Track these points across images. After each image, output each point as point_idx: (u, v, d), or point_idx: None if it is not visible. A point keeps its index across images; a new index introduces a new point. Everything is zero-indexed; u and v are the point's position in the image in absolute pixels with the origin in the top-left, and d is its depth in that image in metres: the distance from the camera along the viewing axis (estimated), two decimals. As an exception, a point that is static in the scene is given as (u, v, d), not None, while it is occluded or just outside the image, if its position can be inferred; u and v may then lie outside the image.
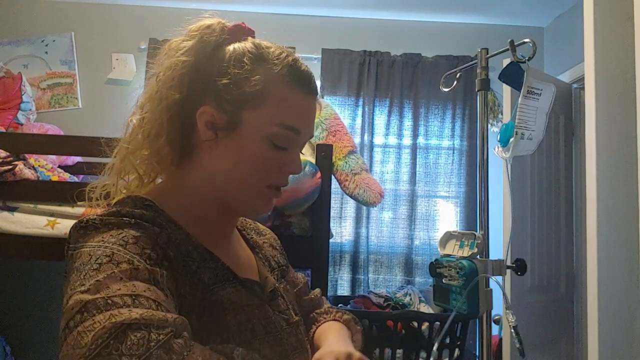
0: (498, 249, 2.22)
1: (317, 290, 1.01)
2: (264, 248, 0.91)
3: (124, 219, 0.64)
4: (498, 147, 1.35)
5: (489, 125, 2.78)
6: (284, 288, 0.86)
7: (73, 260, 0.61)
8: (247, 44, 0.74)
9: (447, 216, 3.11)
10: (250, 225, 0.95)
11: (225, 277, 0.71)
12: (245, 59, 0.72)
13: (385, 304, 2.39)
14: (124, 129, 0.77)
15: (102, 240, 0.60)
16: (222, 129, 0.71)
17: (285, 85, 0.72)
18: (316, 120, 2.13)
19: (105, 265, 0.56)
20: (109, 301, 0.52)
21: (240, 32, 0.77)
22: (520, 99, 1.29)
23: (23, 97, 2.64)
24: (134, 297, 0.53)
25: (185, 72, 0.72)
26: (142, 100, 0.76)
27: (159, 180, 0.81)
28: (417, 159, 3.08)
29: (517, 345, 1.14)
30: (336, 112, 2.27)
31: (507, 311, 1.18)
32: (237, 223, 0.89)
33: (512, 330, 1.14)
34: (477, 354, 1.71)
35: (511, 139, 1.29)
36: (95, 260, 0.57)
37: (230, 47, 0.74)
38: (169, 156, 0.74)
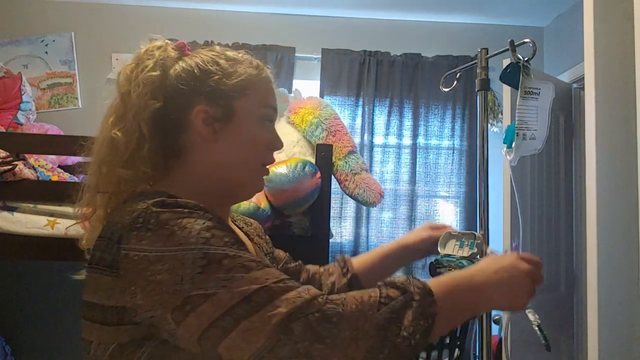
0: (498, 249, 2.22)
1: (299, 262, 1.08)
2: (256, 237, 0.98)
3: (185, 209, 0.67)
4: (505, 149, 1.35)
5: (489, 125, 2.78)
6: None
7: (138, 265, 0.63)
8: (210, 52, 0.83)
9: (447, 216, 3.11)
10: (238, 217, 1.01)
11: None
12: (221, 62, 0.81)
13: (385, 304, 2.39)
14: (95, 145, 0.81)
15: (180, 243, 0.63)
16: (220, 120, 0.79)
17: (256, 74, 0.83)
18: (316, 120, 2.12)
19: (208, 266, 0.62)
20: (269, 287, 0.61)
21: (185, 48, 0.84)
22: (518, 100, 1.29)
23: (23, 97, 2.64)
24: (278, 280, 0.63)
25: (157, 84, 0.78)
26: (113, 119, 0.79)
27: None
28: (417, 159, 3.09)
29: (543, 342, 1.15)
30: (336, 112, 2.27)
31: (529, 311, 1.19)
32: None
33: (537, 329, 1.15)
34: (477, 354, 1.71)
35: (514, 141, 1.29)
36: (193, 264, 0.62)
37: (198, 57, 0.82)
38: (150, 163, 0.77)
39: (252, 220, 1.04)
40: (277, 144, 0.85)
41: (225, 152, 0.79)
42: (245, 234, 0.94)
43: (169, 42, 0.84)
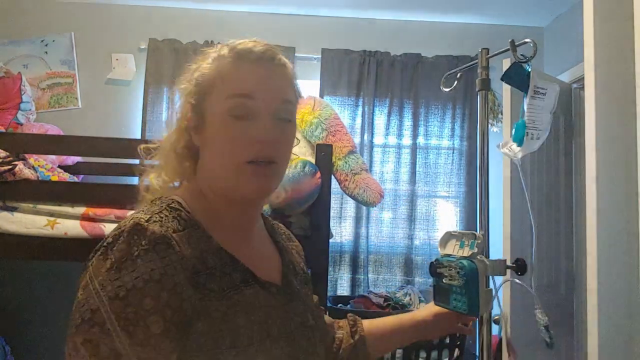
0: (498, 249, 2.23)
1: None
2: (291, 253, 0.95)
3: (146, 245, 0.66)
4: (508, 146, 1.34)
5: (489, 125, 2.78)
6: (305, 293, 0.89)
7: (86, 282, 0.64)
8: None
9: (447, 216, 3.11)
10: (281, 230, 1.00)
11: (244, 280, 0.74)
12: (194, 63, 0.82)
13: (385, 304, 2.39)
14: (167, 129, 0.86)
15: (101, 283, 0.63)
16: (198, 125, 0.79)
17: (228, 63, 0.77)
18: (316, 120, 2.13)
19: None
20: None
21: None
22: (527, 100, 1.29)
23: (23, 97, 2.64)
24: None
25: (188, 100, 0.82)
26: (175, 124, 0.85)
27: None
28: (417, 159, 3.09)
29: (547, 340, 1.16)
30: (336, 112, 2.27)
31: (538, 310, 1.20)
32: (268, 228, 0.93)
33: (543, 329, 1.16)
34: (477, 354, 1.71)
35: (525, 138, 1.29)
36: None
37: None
38: (183, 164, 0.83)
39: (295, 239, 1.03)
40: (259, 134, 0.74)
41: (209, 155, 0.79)
42: (280, 248, 0.90)
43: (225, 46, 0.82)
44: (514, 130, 1.34)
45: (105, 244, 0.67)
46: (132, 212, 0.74)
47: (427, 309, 1.10)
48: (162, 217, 0.70)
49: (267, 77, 0.77)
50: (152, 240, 0.66)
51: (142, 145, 0.88)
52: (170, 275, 0.64)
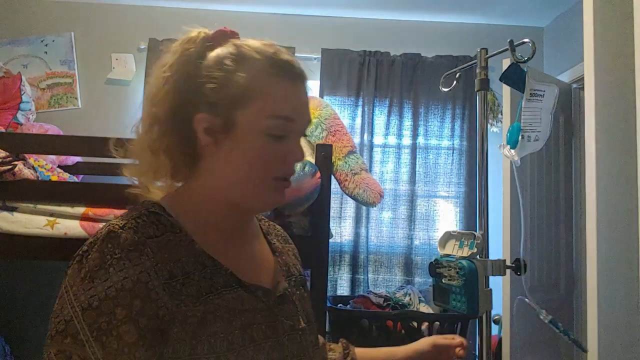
0: (498, 249, 2.23)
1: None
2: (287, 255, 0.93)
3: (119, 254, 0.65)
4: (506, 148, 1.35)
5: (489, 125, 2.78)
6: (300, 295, 0.87)
7: (62, 292, 0.66)
8: (227, 47, 0.76)
9: (446, 216, 3.11)
10: (278, 232, 0.98)
11: (226, 284, 0.72)
12: (226, 61, 0.73)
13: (385, 304, 2.39)
14: (134, 132, 0.80)
15: (75, 293, 0.64)
16: (220, 132, 0.73)
17: (269, 77, 0.73)
18: (316, 120, 2.13)
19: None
20: None
21: (222, 36, 0.77)
22: (523, 103, 1.29)
23: (23, 97, 2.64)
24: None
25: (169, 87, 0.74)
26: (143, 117, 0.78)
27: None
28: (417, 159, 3.08)
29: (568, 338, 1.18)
30: (336, 112, 2.27)
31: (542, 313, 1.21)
32: (264, 228, 0.92)
33: (569, 338, 1.18)
34: (477, 354, 1.71)
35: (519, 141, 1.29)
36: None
37: (213, 53, 0.75)
38: (168, 167, 0.76)
39: (291, 241, 1.01)
40: (293, 157, 0.76)
41: (227, 164, 0.74)
42: (274, 250, 0.89)
43: (205, 30, 0.77)
44: (508, 133, 1.34)
45: (80, 252, 0.67)
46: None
47: (426, 340, 1.10)
48: (138, 223, 0.69)
49: (304, 99, 0.77)
50: (125, 248, 0.65)
51: (113, 138, 0.84)
52: (143, 283, 0.64)
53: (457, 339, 1.09)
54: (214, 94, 0.72)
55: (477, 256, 1.29)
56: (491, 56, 1.46)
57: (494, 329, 2.57)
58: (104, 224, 1.76)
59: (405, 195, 3.06)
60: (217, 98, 0.72)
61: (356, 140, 3.02)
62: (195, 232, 0.73)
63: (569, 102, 2.68)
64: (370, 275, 3.02)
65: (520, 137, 1.29)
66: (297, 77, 0.76)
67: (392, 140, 3.12)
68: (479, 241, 1.27)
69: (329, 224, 1.80)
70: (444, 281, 1.30)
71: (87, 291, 0.62)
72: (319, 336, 0.98)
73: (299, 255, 1.00)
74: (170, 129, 0.75)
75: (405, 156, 3.10)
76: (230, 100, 0.72)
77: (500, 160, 2.32)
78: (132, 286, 0.63)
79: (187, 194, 0.78)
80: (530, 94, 1.29)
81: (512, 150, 1.32)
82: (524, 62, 1.29)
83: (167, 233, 0.71)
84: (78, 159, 2.65)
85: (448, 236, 1.38)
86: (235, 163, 0.74)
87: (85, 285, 0.63)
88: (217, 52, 0.75)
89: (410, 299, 2.49)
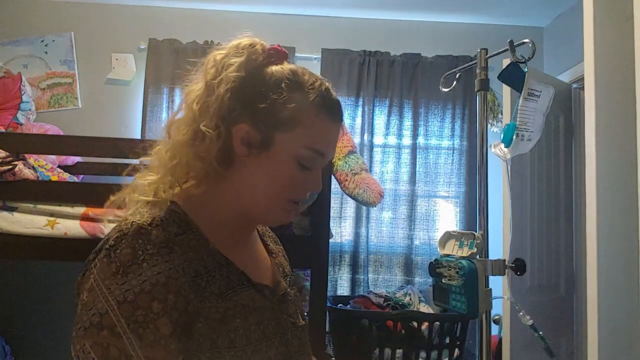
0: (498, 249, 2.23)
1: None
2: (278, 256, 0.97)
3: (151, 249, 0.67)
4: (499, 147, 1.35)
5: (489, 125, 2.78)
6: (294, 294, 0.92)
7: (91, 284, 0.65)
8: (285, 70, 0.79)
9: (446, 216, 3.11)
10: (269, 233, 1.02)
11: (239, 282, 0.76)
12: (283, 85, 0.76)
13: (385, 304, 2.39)
14: (165, 131, 0.80)
15: (108, 287, 0.65)
16: (256, 147, 0.76)
17: (317, 112, 0.77)
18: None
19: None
20: None
21: (277, 55, 0.81)
22: (520, 101, 1.29)
23: (23, 97, 2.64)
24: None
25: (234, 87, 0.75)
26: (198, 108, 0.76)
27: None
28: (417, 159, 3.09)
29: (542, 343, 1.17)
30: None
31: (520, 314, 1.21)
32: (259, 230, 0.96)
33: (532, 330, 1.17)
34: (477, 354, 1.71)
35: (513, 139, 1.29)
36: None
37: (269, 71, 0.78)
38: (207, 165, 0.76)
39: (280, 243, 1.04)
40: (313, 187, 0.81)
41: (253, 177, 0.77)
42: (269, 251, 0.94)
43: (262, 42, 0.80)
44: (503, 131, 1.34)
45: (107, 246, 0.68)
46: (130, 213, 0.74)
47: None
48: (163, 221, 0.72)
49: (336, 139, 0.83)
50: (157, 244, 0.68)
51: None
52: (174, 279, 0.67)
53: None
54: (263, 111, 0.75)
55: (477, 256, 1.29)
56: (491, 56, 1.46)
57: (494, 329, 2.57)
58: (104, 224, 1.76)
59: (405, 195, 3.07)
60: (264, 115, 0.75)
61: (356, 140, 3.02)
62: (208, 233, 0.76)
63: (569, 102, 2.68)
64: (370, 275, 3.02)
65: (515, 135, 1.29)
66: (339, 119, 0.81)
67: (392, 140, 3.12)
68: (478, 241, 1.27)
69: (329, 224, 1.80)
70: (444, 281, 1.30)
71: (122, 285, 0.64)
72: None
73: (294, 255, 1.04)
74: (215, 134, 0.75)
75: (406, 156, 3.10)
76: (275, 121, 0.75)
77: (501, 159, 2.31)
78: (166, 281, 0.66)
79: (204, 196, 0.78)
80: (529, 93, 1.30)
81: (505, 149, 1.32)
82: (524, 62, 1.29)
83: (187, 232, 0.74)
84: (78, 159, 2.65)
85: (448, 236, 1.38)
86: (262, 179, 0.77)
87: (119, 280, 0.64)
88: (274, 71, 0.78)
89: (411, 299, 2.50)
